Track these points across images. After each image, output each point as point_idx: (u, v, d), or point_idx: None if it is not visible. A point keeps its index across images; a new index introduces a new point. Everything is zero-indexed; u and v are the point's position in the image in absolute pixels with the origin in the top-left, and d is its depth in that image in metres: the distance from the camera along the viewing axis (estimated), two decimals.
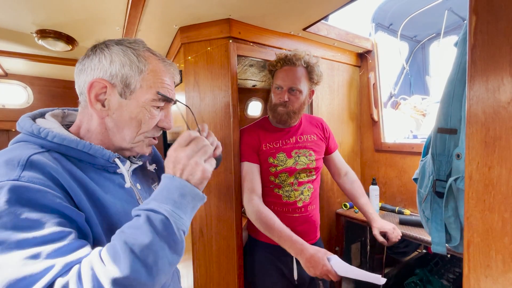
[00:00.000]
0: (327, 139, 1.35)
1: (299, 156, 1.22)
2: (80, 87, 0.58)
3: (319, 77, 1.21)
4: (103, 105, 0.56)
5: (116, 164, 0.58)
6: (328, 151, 1.36)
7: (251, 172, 1.20)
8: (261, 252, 1.23)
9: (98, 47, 0.57)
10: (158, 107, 0.61)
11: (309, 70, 1.17)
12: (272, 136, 1.25)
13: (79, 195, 0.49)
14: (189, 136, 0.56)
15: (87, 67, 0.56)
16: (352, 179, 1.41)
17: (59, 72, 2.17)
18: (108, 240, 0.52)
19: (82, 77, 0.56)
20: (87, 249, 0.45)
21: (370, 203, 1.34)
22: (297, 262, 1.15)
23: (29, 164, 0.45)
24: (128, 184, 0.60)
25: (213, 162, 0.57)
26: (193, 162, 0.53)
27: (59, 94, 2.39)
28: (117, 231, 0.47)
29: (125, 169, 0.60)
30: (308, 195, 1.23)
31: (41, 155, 0.48)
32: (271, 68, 1.22)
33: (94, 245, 0.50)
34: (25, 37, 1.44)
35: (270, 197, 1.22)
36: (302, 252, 0.94)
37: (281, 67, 1.17)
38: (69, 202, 0.47)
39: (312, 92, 1.24)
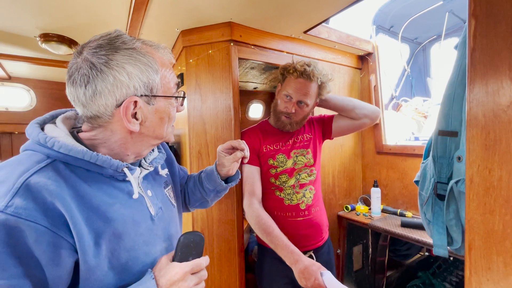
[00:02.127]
0: (321, 121, 1.34)
1: (297, 156, 1.23)
2: (98, 111, 0.53)
3: (327, 93, 1.22)
4: (136, 118, 0.55)
5: (122, 173, 0.57)
6: (329, 121, 1.32)
7: (252, 175, 1.20)
8: (270, 259, 1.21)
9: (97, 64, 0.51)
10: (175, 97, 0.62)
11: (321, 87, 1.18)
12: (272, 138, 1.26)
13: (76, 217, 0.47)
14: (200, 266, 0.56)
15: (102, 89, 0.51)
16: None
17: (62, 75, 2.19)
18: (112, 255, 0.51)
19: (101, 101, 0.52)
20: None
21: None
22: None
23: (23, 188, 0.44)
24: (136, 195, 0.58)
25: None
26: None
27: (62, 97, 2.39)
28: None
29: (134, 177, 0.60)
30: (310, 197, 1.23)
31: (43, 172, 0.47)
32: (285, 73, 1.19)
33: (86, 272, 0.49)
34: (28, 41, 1.46)
35: (272, 201, 1.21)
36: (297, 262, 0.96)
37: (296, 78, 1.15)
38: (59, 232, 0.46)
39: (315, 103, 1.25)
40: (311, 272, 0.92)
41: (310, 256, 1.17)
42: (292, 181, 1.21)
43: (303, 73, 1.13)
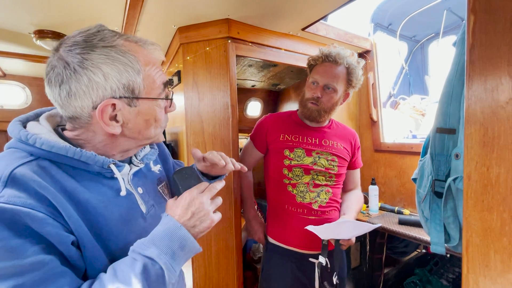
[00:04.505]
0: (353, 155, 1.27)
1: (319, 158, 1.16)
2: (75, 112, 0.50)
3: (358, 80, 1.16)
4: (117, 121, 0.53)
5: (108, 170, 0.55)
6: (349, 167, 1.27)
7: (248, 152, 1.29)
8: (278, 258, 1.17)
9: (71, 63, 0.48)
10: (164, 97, 0.60)
11: (349, 71, 1.13)
12: (294, 129, 1.20)
13: (68, 209, 0.46)
14: (204, 185, 0.59)
15: (77, 91, 0.48)
16: (352, 192, 1.30)
17: None
18: (106, 251, 0.51)
19: (76, 103, 0.49)
20: (68, 277, 0.44)
21: (351, 208, 1.19)
22: (320, 271, 1.10)
23: (11, 180, 0.42)
24: (123, 192, 0.56)
25: (219, 215, 0.60)
26: (205, 210, 0.56)
27: None
28: (110, 270, 0.47)
29: (123, 174, 0.58)
30: (325, 198, 1.15)
31: (27, 166, 0.46)
32: (312, 62, 1.18)
33: (88, 262, 0.49)
34: (23, 38, 1.44)
35: (283, 195, 1.16)
36: (249, 219, 1.28)
37: (322, 63, 1.14)
38: (57, 219, 0.45)
39: (347, 95, 1.18)
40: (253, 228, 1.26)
41: (326, 263, 1.07)
42: (307, 179, 1.15)
43: (328, 56, 1.11)
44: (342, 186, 1.25)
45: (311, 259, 1.12)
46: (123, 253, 0.53)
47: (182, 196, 0.56)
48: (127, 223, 0.56)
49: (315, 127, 1.22)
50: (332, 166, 1.17)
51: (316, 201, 1.14)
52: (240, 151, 1.37)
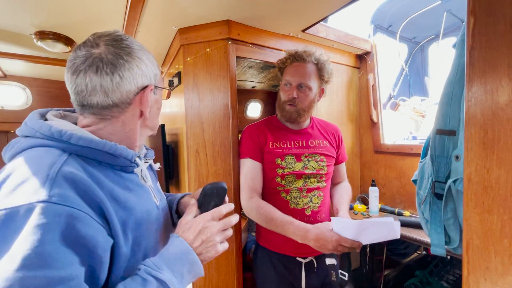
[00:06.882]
0: (338, 150, 1.29)
1: (308, 161, 1.16)
2: (120, 99, 0.54)
3: (330, 75, 1.18)
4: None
5: (133, 164, 0.58)
6: (335, 162, 1.28)
7: (254, 170, 1.15)
8: (266, 260, 1.19)
9: (121, 53, 0.53)
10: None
11: (319, 67, 1.15)
12: (280, 135, 1.19)
13: (108, 207, 0.47)
14: (220, 212, 0.60)
15: (127, 77, 0.54)
16: (341, 185, 1.32)
17: (58, 73, 2.16)
18: (135, 244, 0.53)
19: (125, 87, 0.54)
20: None
21: (342, 202, 1.18)
22: (305, 270, 1.13)
23: (59, 179, 0.43)
24: (149, 183, 0.62)
25: (225, 245, 0.61)
26: (214, 241, 0.57)
27: (58, 96, 2.39)
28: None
29: (142, 167, 0.62)
30: (317, 203, 1.16)
31: (69, 164, 0.46)
32: (281, 65, 1.20)
33: (117, 262, 0.50)
34: (24, 39, 1.44)
35: (276, 202, 1.13)
36: (306, 235, 0.93)
37: (291, 63, 1.15)
38: (99, 220, 0.46)
39: (322, 91, 1.20)
40: (325, 237, 0.90)
41: (311, 262, 1.12)
42: (299, 184, 1.15)
43: (295, 56, 1.13)
44: (329, 186, 1.26)
45: (298, 258, 1.14)
46: (147, 243, 0.57)
47: (195, 220, 0.58)
48: (149, 213, 0.60)
49: (299, 129, 1.23)
50: (321, 167, 1.18)
51: (308, 207, 1.14)
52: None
